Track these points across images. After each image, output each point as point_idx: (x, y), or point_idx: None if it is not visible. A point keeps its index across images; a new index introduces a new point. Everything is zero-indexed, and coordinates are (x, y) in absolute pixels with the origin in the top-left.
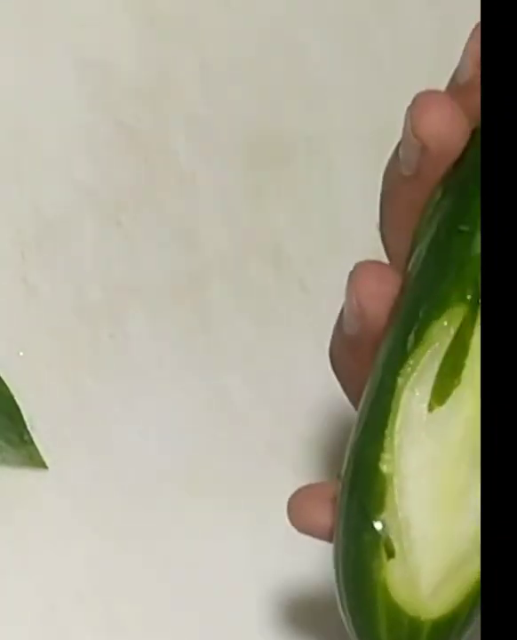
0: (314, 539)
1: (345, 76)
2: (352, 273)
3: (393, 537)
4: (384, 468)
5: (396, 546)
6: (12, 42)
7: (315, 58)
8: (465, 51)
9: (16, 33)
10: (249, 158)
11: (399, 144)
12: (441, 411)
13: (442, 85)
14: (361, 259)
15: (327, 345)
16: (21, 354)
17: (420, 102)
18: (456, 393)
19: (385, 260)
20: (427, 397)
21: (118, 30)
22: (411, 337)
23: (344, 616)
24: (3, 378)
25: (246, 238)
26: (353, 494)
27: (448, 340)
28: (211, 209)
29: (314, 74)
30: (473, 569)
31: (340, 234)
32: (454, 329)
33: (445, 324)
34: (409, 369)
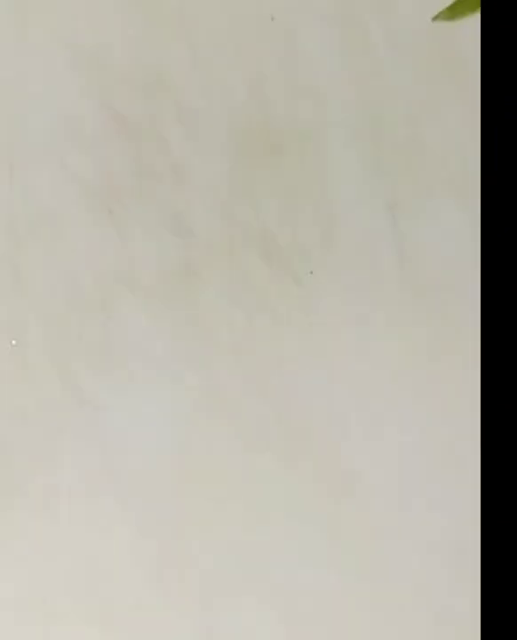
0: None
1: (339, 66)
2: None
3: None
4: None
5: None
6: (4, 31)
7: (309, 48)
8: None
9: (8, 22)
10: (241, 148)
11: None
12: None
13: (438, 77)
14: (354, 250)
15: (319, 336)
16: (14, 342)
17: None
18: None
19: (381, 250)
20: None
21: (111, 20)
22: None
23: None
24: None
25: (238, 228)
26: None
27: None
28: (203, 198)
29: (308, 64)
30: None
31: (333, 225)
32: None
33: None
34: None
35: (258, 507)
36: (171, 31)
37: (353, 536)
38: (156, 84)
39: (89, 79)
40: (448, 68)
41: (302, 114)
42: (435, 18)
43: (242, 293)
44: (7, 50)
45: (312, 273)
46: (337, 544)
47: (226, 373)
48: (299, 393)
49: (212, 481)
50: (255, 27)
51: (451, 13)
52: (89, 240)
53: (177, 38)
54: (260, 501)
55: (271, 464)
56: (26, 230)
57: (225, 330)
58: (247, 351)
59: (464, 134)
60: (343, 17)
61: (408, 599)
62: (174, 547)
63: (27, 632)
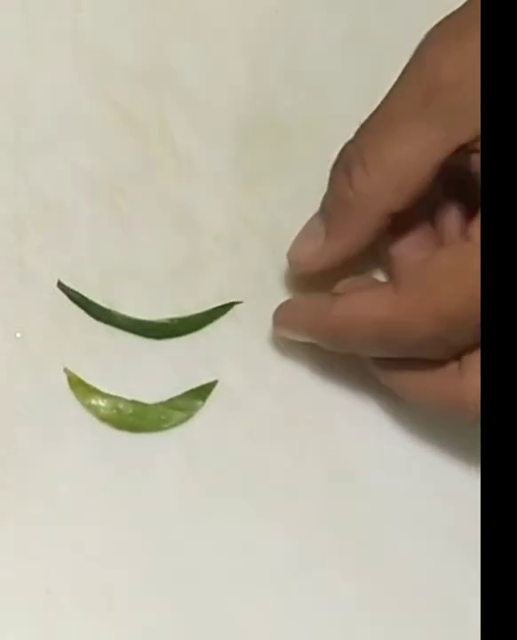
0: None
1: (344, 59)
2: None
3: None
4: None
5: None
6: (10, 26)
7: (314, 41)
8: None
9: (14, 17)
10: (246, 141)
11: None
12: None
13: None
14: None
15: None
16: (18, 335)
17: None
18: None
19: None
20: None
21: (115, 13)
22: None
23: None
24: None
25: (243, 222)
26: None
27: None
28: (208, 192)
29: (313, 57)
30: None
31: None
32: None
33: None
34: None
35: (262, 490)
36: (175, 23)
37: (353, 526)
38: (161, 76)
39: (93, 71)
40: None
41: (306, 105)
42: None
43: (248, 285)
44: (12, 42)
45: None
46: (337, 534)
47: (231, 365)
48: (303, 384)
49: (214, 469)
50: (261, 22)
51: None
52: (94, 234)
53: (181, 30)
54: (265, 487)
55: (273, 452)
56: (30, 223)
57: (230, 322)
58: (253, 344)
59: None
60: (350, 12)
61: (408, 591)
62: (174, 536)
63: (29, 621)
